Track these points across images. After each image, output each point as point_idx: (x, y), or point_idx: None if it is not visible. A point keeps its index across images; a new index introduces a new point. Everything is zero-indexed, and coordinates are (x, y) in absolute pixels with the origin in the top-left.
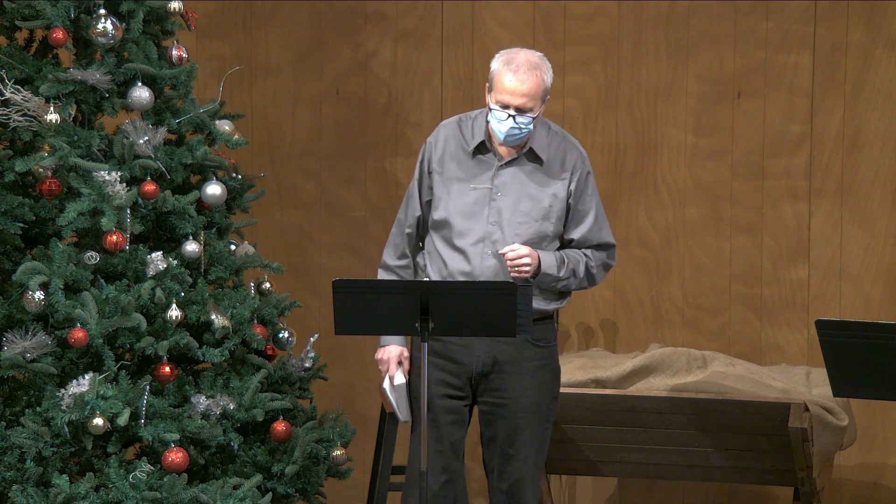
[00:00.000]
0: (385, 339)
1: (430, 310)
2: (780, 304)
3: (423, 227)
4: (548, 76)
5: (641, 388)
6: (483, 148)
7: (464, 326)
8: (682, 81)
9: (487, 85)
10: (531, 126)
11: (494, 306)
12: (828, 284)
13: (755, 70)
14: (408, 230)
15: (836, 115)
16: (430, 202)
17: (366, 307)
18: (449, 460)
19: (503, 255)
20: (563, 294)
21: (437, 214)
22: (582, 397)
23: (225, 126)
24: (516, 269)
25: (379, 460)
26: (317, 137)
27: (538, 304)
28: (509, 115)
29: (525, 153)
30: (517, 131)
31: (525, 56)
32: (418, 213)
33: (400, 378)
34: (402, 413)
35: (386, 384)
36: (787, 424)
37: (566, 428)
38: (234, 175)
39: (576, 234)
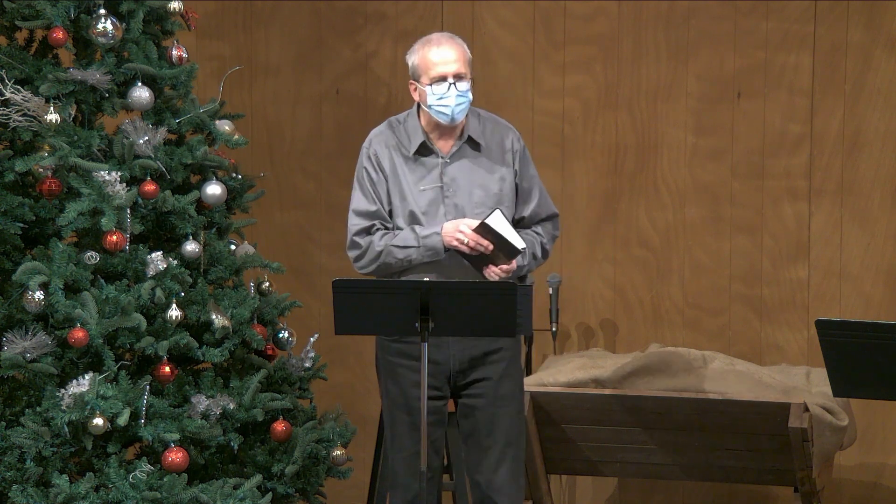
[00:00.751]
0: (430, 232)
1: (430, 310)
2: (780, 304)
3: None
4: (464, 45)
5: (641, 388)
6: (424, 148)
7: (464, 326)
8: (682, 81)
9: (412, 83)
10: (470, 95)
11: (494, 306)
12: (828, 284)
13: (755, 70)
14: (370, 217)
15: (836, 115)
16: (390, 212)
17: (366, 307)
18: (431, 459)
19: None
20: (521, 277)
21: (400, 221)
22: (582, 397)
23: (225, 126)
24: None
25: (379, 460)
26: (317, 137)
27: None
28: (450, 85)
29: (465, 143)
30: (463, 100)
31: (438, 34)
32: (375, 207)
33: (493, 215)
34: (518, 240)
35: (491, 220)
36: (787, 424)
37: (566, 428)
38: (234, 175)
39: (526, 211)
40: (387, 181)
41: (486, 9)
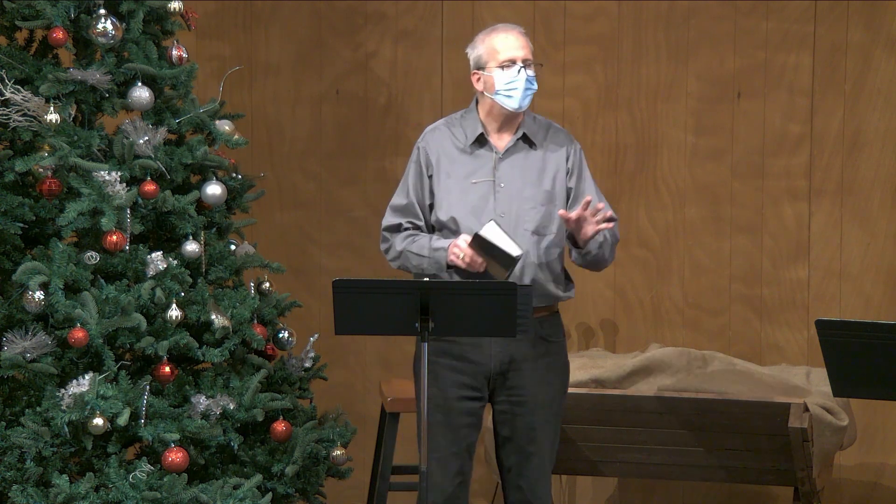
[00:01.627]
0: (437, 243)
1: (430, 310)
2: (780, 304)
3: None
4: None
5: (641, 388)
6: (482, 140)
7: (464, 326)
8: (682, 81)
9: (476, 73)
10: (536, 85)
11: (494, 306)
12: (828, 284)
13: (755, 70)
14: (405, 212)
15: (836, 115)
16: (430, 206)
17: (366, 307)
18: (464, 462)
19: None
20: (569, 282)
21: (441, 215)
22: (582, 397)
23: (225, 126)
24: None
25: (379, 460)
26: (317, 137)
27: (553, 290)
28: (520, 69)
29: (519, 139)
30: (531, 86)
31: (502, 24)
32: (413, 201)
33: (487, 226)
34: (514, 248)
35: (485, 231)
36: (787, 424)
37: (566, 428)
38: (234, 175)
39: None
40: (431, 176)
41: (486, 9)
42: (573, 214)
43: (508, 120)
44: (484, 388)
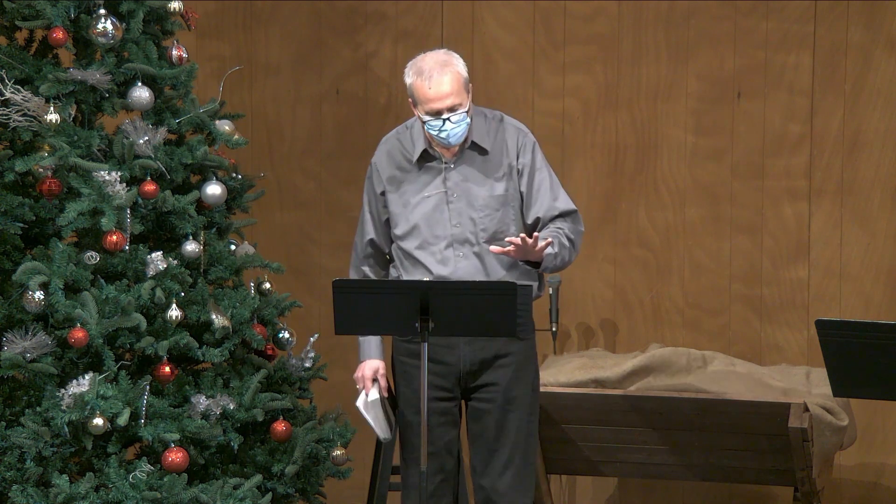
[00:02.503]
0: (364, 354)
1: (430, 310)
2: (780, 304)
3: (379, 249)
4: (461, 66)
5: (641, 388)
6: (427, 155)
7: (464, 326)
8: (682, 81)
9: (410, 100)
10: (468, 119)
11: (494, 306)
12: (828, 284)
13: (755, 70)
14: (365, 254)
15: (836, 115)
16: (387, 221)
17: (366, 307)
18: (443, 460)
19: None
20: (541, 281)
21: (399, 230)
22: (582, 397)
23: (225, 126)
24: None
25: (379, 460)
26: (317, 137)
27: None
28: (445, 120)
29: (468, 147)
30: (459, 126)
31: (432, 59)
32: (371, 235)
33: (374, 394)
34: (381, 431)
35: (360, 402)
36: (787, 424)
37: (566, 428)
38: (234, 175)
39: (537, 210)
40: (385, 195)
41: (486, 9)
42: (509, 250)
43: None
44: (455, 387)
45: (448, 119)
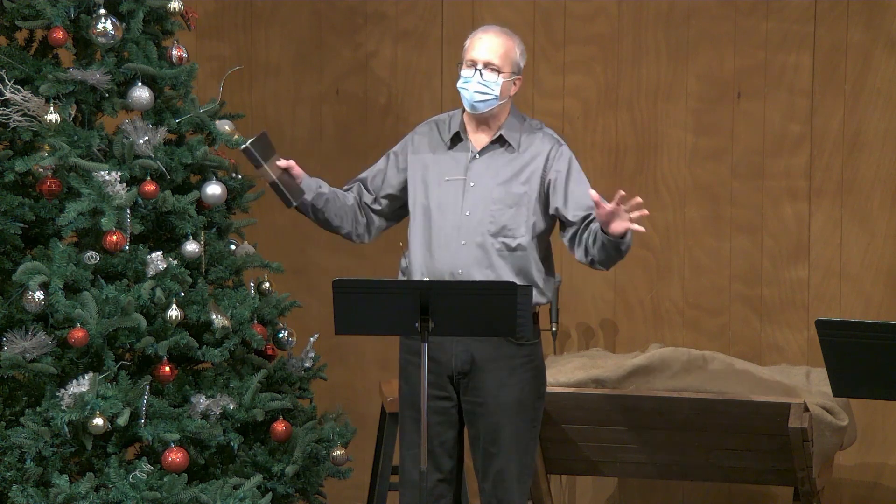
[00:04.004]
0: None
1: (430, 310)
2: (780, 304)
3: (372, 195)
4: (517, 41)
5: (641, 388)
6: (458, 139)
7: (464, 326)
8: (682, 81)
9: (459, 65)
10: (497, 90)
11: (494, 306)
12: (828, 284)
13: (755, 70)
14: (361, 182)
15: (836, 115)
16: (386, 196)
17: (366, 307)
18: (439, 459)
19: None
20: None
21: (414, 208)
22: (582, 397)
23: (225, 126)
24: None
25: (379, 460)
26: (317, 137)
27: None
28: (476, 71)
29: (496, 140)
30: (483, 92)
31: (494, 25)
32: (365, 176)
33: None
34: (294, 195)
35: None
36: (787, 424)
37: (566, 428)
38: (234, 175)
39: (572, 209)
40: (406, 169)
41: (486, 9)
42: (609, 207)
43: (484, 120)
44: (448, 386)
45: (480, 72)
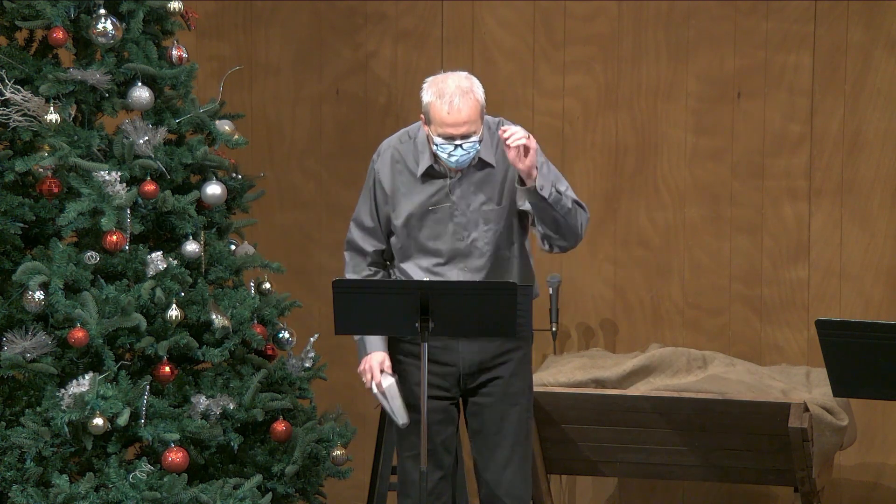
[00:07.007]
0: (369, 347)
1: (430, 310)
2: (780, 304)
3: (383, 237)
4: (480, 94)
5: (641, 388)
6: (432, 171)
7: (464, 326)
8: (682, 81)
9: (423, 116)
10: (478, 145)
11: (494, 306)
12: (828, 284)
13: (755, 70)
14: (369, 252)
15: (836, 115)
16: (388, 216)
17: (366, 307)
18: (440, 457)
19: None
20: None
21: (398, 241)
22: (582, 397)
23: (225, 126)
24: (514, 143)
25: (379, 460)
26: (317, 137)
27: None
28: (456, 146)
29: (474, 164)
30: (469, 155)
31: (454, 83)
32: (379, 243)
33: (388, 380)
34: (401, 417)
35: (376, 390)
36: (787, 424)
37: (566, 428)
38: (234, 175)
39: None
40: (386, 203)
41: (486, 9)
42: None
43: None
44: (454, 387)
45: (460, 145)
